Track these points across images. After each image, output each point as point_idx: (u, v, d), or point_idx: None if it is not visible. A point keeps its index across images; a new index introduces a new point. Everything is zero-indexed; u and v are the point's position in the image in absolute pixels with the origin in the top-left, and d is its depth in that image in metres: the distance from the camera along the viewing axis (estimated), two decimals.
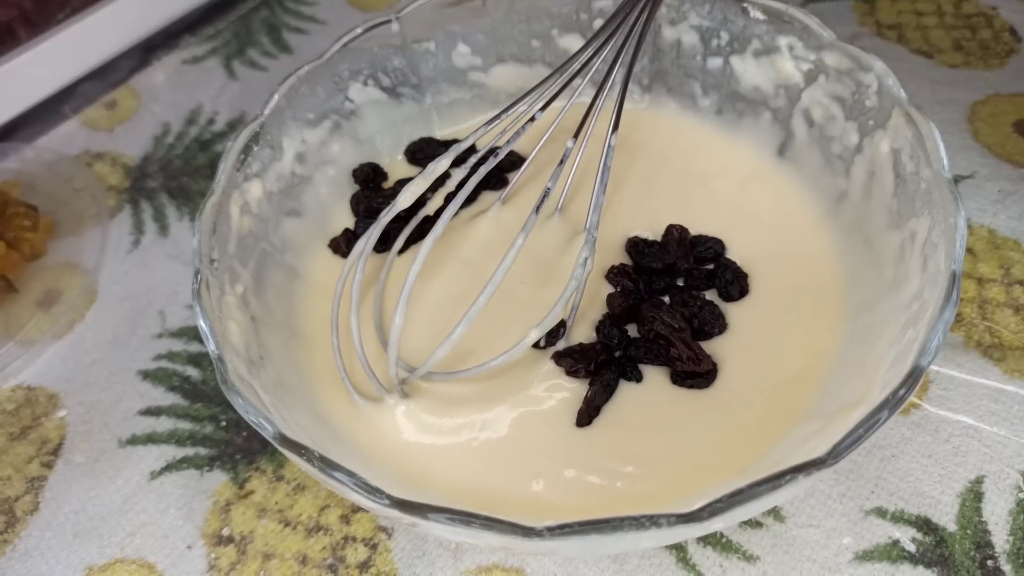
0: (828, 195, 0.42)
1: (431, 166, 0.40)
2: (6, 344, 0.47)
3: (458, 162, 0.40)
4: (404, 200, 0.40)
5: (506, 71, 0.49)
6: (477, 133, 0.40)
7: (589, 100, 0.41)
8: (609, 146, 0.40)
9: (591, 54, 0.41)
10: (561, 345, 0.38)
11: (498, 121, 0.40)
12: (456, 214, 0.45)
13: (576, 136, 0.41)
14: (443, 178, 0.41)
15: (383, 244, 0.43)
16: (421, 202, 0.42)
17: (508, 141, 0.41)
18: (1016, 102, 0.51)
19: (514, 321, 0.38)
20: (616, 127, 0.40)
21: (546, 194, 0.39)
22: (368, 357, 0.38)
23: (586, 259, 0.37)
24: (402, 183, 0.44)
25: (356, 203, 0.46)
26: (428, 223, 0.42)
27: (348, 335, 0.38)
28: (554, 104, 0.41)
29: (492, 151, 0.41)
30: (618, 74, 0.41)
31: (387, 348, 0.36)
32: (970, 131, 0.50)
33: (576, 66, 0.41)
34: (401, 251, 0.43)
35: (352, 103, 0.46)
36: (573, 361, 0.37)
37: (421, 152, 0.48)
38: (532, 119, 0.41)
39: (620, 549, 0.35)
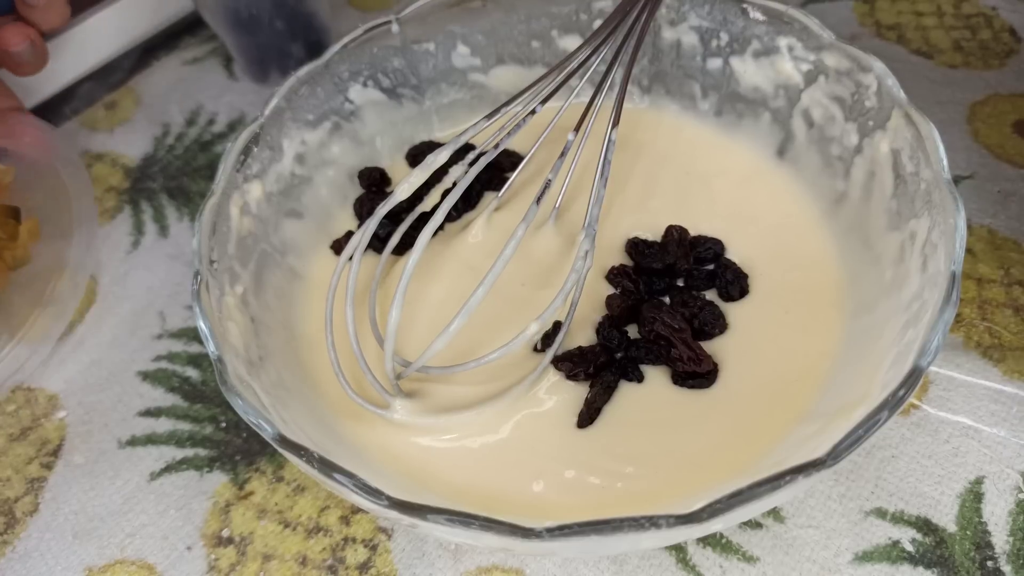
0: (828, 195, 0.42)
1: (430, 157, 0.39)
2: (6, 345, 0.47)
3: (457, 158, 0.40)
4: (402, 192, 0.39)
5: (506, 72, 0.49)
6: (478, 126, 0.40)
7: (588, 99, 0.41)
8: (610, 140, 0.39)
9: (590, 52, 0.41)
10: (558, 342, 0.38)
11: (498, 116, 0.40)
12: (457, 217, 0.45)
13: (577, 129, 0.40)
14: (441, 174, 0.41)
15: (383, 244, 0.43)
16: (418, 202, 0.41)
17: (509, 133, 0.40)
18: (1016, 102, 0.51)
19: (514, 322, 0.38)
20: (617, 122, 0.40)
21: (547, 186, 0.38)
22: (365, 356, 0.38)
23: (587, 252, 0.37)
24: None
25: (360, 206, 0.46)
26: (425, 220, 0.41)
27: (343, 332, 0.38)
28: (554, 104, 0.41)
29: (493, 146, 0.41)
30: (617, 73, 0.41)
31: (383, 343, 0.36)
32: (970, 132, 0.50)
33: (575, 63, 0.41)
34: (398, 251, 0.43)
35: (352, 104, 0.46)
36: (572, 365, 0.37)
37: (423, 156, 0.48)
38: (533, 112, 0.40)
39: (620, 550, 0.35)
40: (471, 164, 0.40)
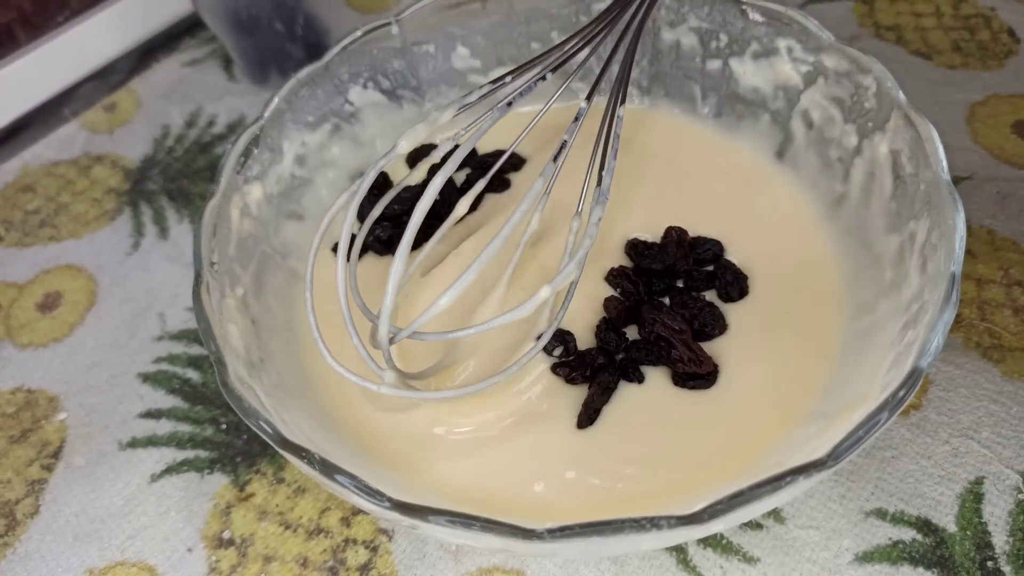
0: (827, 197, 0.42)
1: (435, 113, 0.38)
2: (6, 347, 0.47)
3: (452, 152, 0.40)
4: (404, 145, 0.37)
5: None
6: (482, 89, 0.38)
7: (585, 95, 0.41)
8: (617, 117, 0.39)
9: (582, 43, 0.40)
10: (559, 319, 0.37)
11: (502, 83, 0.38)
12: (459, 218, 0.45)
13: (588, 98, 0.39)
14: (437, 167, 0.40)
15: (383, 247, 0.43)
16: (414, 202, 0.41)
17: (510, 104, 0.38)
18: (1015, 103, 0.51)
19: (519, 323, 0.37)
20: (623, 100, 0.39)
21: (563, 146, 0.37)
22: (356, 329, 0.35)
23: (599, 220, 0.36)
24: (407, 189, 0.44)
25: (361, 208, 0.45)
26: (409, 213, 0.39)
27: (331, 323, 0.36)
28: (555, 105, 0.41)
29: (507, 104, 0.38)
30: (617, 66, 0.40)
31: (378, 317, 0.34)
32: (969, 132, 0.50)
33: (577, 47, 0.40)
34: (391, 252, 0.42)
35: (352, 106, 0.46)
36: (570, 369, 0.37)
37: (423, 158, 0.48)
38: (543, 78, 0.38)
39: (621, 551, 0.35)
40: (470, 155, 0.39)
